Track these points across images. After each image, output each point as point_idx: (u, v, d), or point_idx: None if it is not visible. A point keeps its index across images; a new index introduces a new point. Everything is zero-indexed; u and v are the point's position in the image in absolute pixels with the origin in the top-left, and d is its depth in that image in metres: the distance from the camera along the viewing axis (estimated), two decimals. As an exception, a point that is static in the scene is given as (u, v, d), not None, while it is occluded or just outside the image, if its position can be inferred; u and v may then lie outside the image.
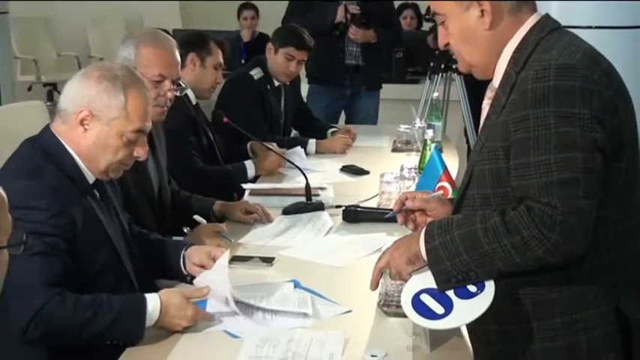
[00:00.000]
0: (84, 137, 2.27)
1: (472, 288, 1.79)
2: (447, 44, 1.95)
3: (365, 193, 3.52)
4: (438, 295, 1.81)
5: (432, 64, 5.61)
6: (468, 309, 1.78)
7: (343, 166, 4.12)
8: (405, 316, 2.11)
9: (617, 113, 1.77)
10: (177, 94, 3.01)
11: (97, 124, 2.27)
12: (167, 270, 2.60)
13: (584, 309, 1.79)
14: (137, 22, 9.39)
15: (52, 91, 8.89)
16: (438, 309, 1.80)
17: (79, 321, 2.12)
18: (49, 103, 7.35)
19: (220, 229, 2.99)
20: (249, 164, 3.92)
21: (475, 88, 5.10)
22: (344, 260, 2.78)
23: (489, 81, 1.96)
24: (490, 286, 1.78)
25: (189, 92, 3.75)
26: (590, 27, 4.60)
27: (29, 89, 8.84)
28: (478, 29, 1.87)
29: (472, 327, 1.84)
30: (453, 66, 5.41)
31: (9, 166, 2.32)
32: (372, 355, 2.07)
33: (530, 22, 1.87)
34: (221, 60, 3.91)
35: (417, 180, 3.21)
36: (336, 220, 3.22)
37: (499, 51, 1.88)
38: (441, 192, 2.64)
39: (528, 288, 1.81)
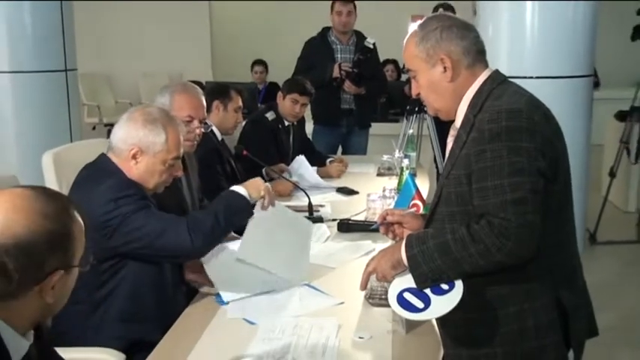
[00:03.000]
0: (135, 168, 2.33)
1: (445, 286, 1.78)
2: (418, 94, 1.94)
3: (355, 209, 3.52)
4: (418, 292, 1.80)
5: (408, 107, 5.59)
6: (443, 303, 1.77)
7: (338, 188, 4.10)
8: (386, 306, 2.10)
9: (553, 147, 1.77)
10: (204, 130, 3.01)
11: (145, 156, 2.32)
12: None
13: (532, 300, 1.78)
14: (177, 76, 9.43)
15: (111, 130, 8.91)
16: (419, 304, 1.79)
17: (211, 216, 2.27)
18: (109, 140, 7.37)
19: None
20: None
21: (442, 126, 5.10)
22: (338, 262, 2.76)
23: (453, 120, 1.95)
24: (459, 285, 1.77)
25: (216, 130, 3.76)
26: (532, 77, 4.62)
27: (93, 129, 8.90)
28: (442, 82, 1.87)
29: (443, 315, 1.82)
30: (425, 109, 5.39)
31: (84, 181, 2.35)
32: (360, 337, 2.07)
33: (484, 75, 1.87)
34: (240, 104, 3.90)
35: (395, 198, 3.19)
36: (332, 230, 3.20)
37: (459, 98, 1.88)
38: (415, 209, 2.63)
39: (488, 285, 1.79)
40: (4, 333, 1.33)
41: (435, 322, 2.01)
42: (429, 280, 1.77)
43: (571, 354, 1.86)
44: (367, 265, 1.96)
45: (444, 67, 1.85)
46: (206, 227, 2.24)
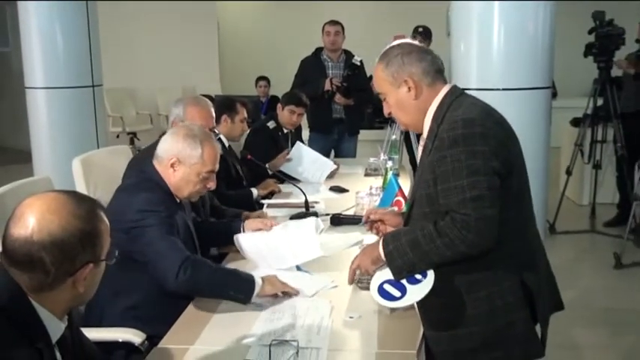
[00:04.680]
0: (173, 176, 2.33)
1: (418, 276, 1.80)
2: (390, 113, 1.95)
3: (346, 205, 3.50)
4: (395, 283, 1.82)
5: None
6: (417, 291, 1.79)
7: (331, 187, 4.10)
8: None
9: (507, 149, 1.77)
10: None
11: (182, 167, 2.32)
12: (230, 235, 2.62)
13: (499, 283, 1.78)
14: (191, 89, 9.41)
15: (133, 138, 8.93)
16: (396, 293, 1.81)
17: (211, 274, 2.16)
18: (131, 146, 7.36)
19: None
20: (254, 190, 3.81)
21: (418, 135, 5.10)
22: (331, 251, 2.72)
23: None
24: (431, 274, 1.78)
25: (223, 138, 3.75)
26: (498, 89, 4.62)
27: (117, 137, 8.87)
28: (408, 100, 1.88)
29: (420, 300, 1.82)
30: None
31: (128, 187, 2.37)
32: (350, 317, 2.07)
33: (444, 90, 1.88)
34: (245, 115, 3.90)
35: (381, 195, 3.19)
36: (326, 223, 3.18)
37: (424, 113, 1.88)
38: (395, 208, 2.63)
39: (459, 273, 1.79)
40: (45, 317, 1.35)
41: (416, 306, 2.01)
42: (404, 271, 1.79)
43: (538, 328, 1.86)
44: (352, 262, 1.98)
45: (409, 87, 1.86)
46: (200, 277, 2.13)
